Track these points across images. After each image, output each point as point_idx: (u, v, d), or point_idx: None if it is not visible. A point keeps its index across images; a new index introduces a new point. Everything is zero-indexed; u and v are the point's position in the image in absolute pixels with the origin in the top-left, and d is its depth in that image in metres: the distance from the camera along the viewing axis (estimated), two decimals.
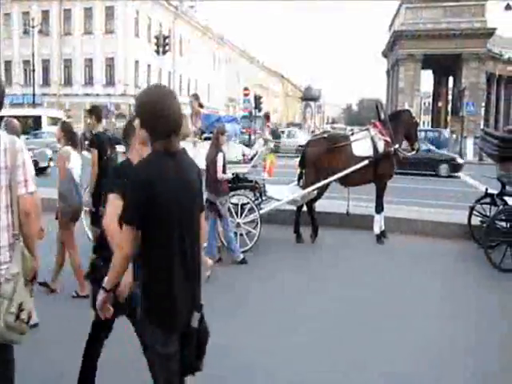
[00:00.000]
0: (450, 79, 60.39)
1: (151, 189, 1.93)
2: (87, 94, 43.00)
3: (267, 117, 9.36)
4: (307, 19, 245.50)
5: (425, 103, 69.31)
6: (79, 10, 43.22)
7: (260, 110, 35.69)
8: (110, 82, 43.19)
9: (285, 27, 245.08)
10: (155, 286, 2.01)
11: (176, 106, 2.04)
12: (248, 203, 7.01)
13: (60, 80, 44.24)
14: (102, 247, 2.77)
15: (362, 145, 7.59)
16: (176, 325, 2.03)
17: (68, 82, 44.35)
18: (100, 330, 2.96)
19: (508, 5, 30.41)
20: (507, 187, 7.16)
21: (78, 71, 43.95)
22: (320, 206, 8.03)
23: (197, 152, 6.95)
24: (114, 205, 2.52)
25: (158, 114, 1.97)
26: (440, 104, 60.29)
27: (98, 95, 42.54)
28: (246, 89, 35.07)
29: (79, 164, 5.06)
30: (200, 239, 2.20)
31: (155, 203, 1.93)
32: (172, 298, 2.00)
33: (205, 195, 6.57)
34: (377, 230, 7.52)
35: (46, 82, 44.19)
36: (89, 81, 43.92)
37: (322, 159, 7.44)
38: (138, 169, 2.08)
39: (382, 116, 8.08)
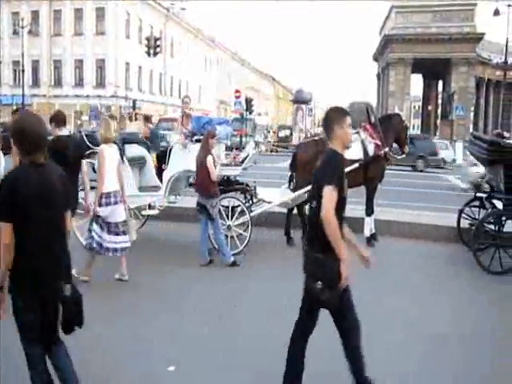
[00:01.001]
0: (440, 83, 60.91)
1: (14, 190, 2.53)
2: (77, 96, 42.77)
3: None
4: (298, 22, 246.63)
5: (415, 107, 69.68)
6: (69, 11, 42.99)
7: (251, 113, 35.75)
8: (101, 83, 42.99)
9: (276, 30, 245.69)
10: (21, 261, 2.58)
11: (40, 130, 2.67)
12: (239, 206, 7.00)
13: (50, 81, 43.96)
14: None
15: (353, 148, 7.57)
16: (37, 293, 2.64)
17: (58, 82, 44.08)
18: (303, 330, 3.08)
19: (497, 10, 30.70)
20: (496, 190, 7.22)
21: (68, 72, 43.70)
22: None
23: (187, 154, 6.95)
24: None
25: (24, 136, 2.63)
26: (430, 108, 60.77)
27: (88, 96, 42.33)
28: (237, 91, 35.06)
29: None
30: (63, 229, 2.79)
31: (18, 202, 2.53)
32: (33, 271, 2.61)
33: (196, 198, 6.57)
34: (367, 232, 7.54)
35: (36, 82, 43.88)
36: (79, 82, 43.67)
37: (312, 162, 7.40)
38: (7, 175, 2.71)
39: (373, 119, 8.11)
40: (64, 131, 5.67)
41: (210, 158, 6.24)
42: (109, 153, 5.53)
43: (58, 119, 5.62)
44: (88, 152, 7.17)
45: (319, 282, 2.80)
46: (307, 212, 4.03)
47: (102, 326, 4.31)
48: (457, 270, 6.43)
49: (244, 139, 26.08)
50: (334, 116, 3.13)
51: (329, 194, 2.80)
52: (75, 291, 2.77)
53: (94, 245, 5.44)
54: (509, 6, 30.39)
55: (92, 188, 5.99)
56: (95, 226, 5.48)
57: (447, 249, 7.39)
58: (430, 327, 4.56)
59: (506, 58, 33.59)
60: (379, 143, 7.60)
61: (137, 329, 4.31)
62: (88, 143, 7.13)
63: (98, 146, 7.12)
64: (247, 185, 7.46)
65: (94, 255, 5.53)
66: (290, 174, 7.89)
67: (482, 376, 3.71)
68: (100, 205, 5.44)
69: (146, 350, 3.91)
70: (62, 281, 2.71)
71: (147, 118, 8.73)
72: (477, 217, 7.41)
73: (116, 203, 5.52)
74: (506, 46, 32.64)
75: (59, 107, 42.53)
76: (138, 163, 7.62)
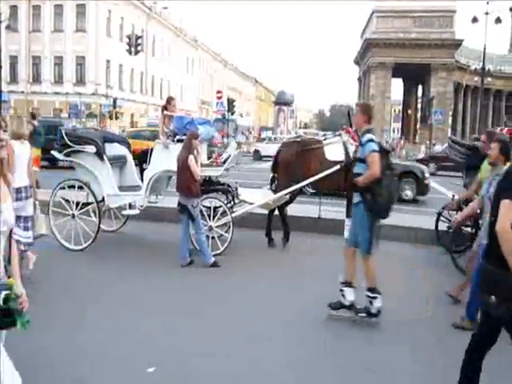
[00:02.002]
0: (420, 88, 61.84)
1: None
2: (57, 93, 42.17)
3: None
4: (281, 24, 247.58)
5: (395, 110, 70.66)
6: (49, 7, 42.34)
7: (233, 114, 35.77)
8: (81, 80, 42.46)
9: (259, 32, 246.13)
10: None
11: None
12: (220, 206, 6.98)
13: (28, 77, 43.21)
14: None
15: (335, 150, 7.65)
16: None
17: (37, 79, 43.37)
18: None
19: (475, 17, 31.31)
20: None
21: (47, 69, 43.02)
22: (292, 209, 8.06)
23: (168, 154, 6.91)
24: None
25: None
26: (410, 112, 61.66)
27: (67, 94, 41.76)
28: (219, 91, 35.03)
29: None
30: None
31: None
32: None
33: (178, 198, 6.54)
34: (347, 234, 7.59)
35: (14, 79, 43.07)
36: (58, 79, 43.05)
37: (294, 163, 7.47)
38: None
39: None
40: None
41: (191, 158, 6.23)
42: (19, 148, 5.43)
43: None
44: (68, 150, 7.09)
45: (493, 297, 2.70)
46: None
47: (80, 327, 4.26)
48: (433, 271, 6.53)
49: (226, 140, 26.14)
50: None
51: (506, 208, 2.68)
52: None
53: None
54: (486, 13, 31.01)
55: None
56: None
57: (426, 251, 7.50)
58: (405, 329, 4.62)
59: (483, 65, 34.26)
60: None
61: (116, 330, 4.26)
62: (68, 141, 7.05)
63: (78, 144, 7.06)
64: (229, 185, 7.45)
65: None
66: (271, 175, 7.91)
67: None
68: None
69: (125, 351, 3.87)
70: None
71: (33, 116, 8.70)
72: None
73: (27, 198, 5.44)
74: (484, 52, 33.30)
75: (38, 104, 42.03)
76: (118, 162, 7.56)
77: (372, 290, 4.63)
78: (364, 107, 5.00)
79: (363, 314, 4.65)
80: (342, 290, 4.73)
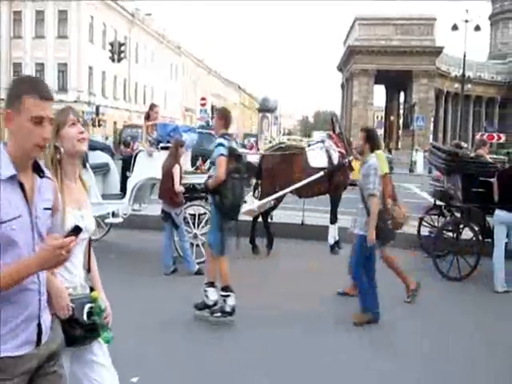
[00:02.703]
0: (402, 94, 62.63)
1: None
2: None
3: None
4: (264, 30, 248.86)
5: (378, 117, 71.37)
6: (30, 13, 41.91)
7: None
8: (63, 87, 42.04)
9: (242, 38, 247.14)
10: None
11: None
12: (205, 214, 6.97)
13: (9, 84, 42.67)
14: None
15: (318, 156, 7.71)
16: None
17: None
18: None
19: (455, 25, 31.89)
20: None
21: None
22: (275, 216, 8.09)
23: (152, 162, 6.89)
24: None
25: None
26: (392, 118, 62.34)
27: None
28: (202, 98, 34.99)
29: None
30: None
31: None
32: None
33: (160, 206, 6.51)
34: (331, 240, 7.64)
35: None
36: None
37: (277, 170, 7.50)
38: None
39: (337, 128, 8.26)
40: None
41: (176, 168, 6.21)
42: None
43: None
44: None
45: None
46: None
47: None
48: (416, 276, 6.59)
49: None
50: None
51: None
52: None
53: None
54: (466, 21, 31.61)
55: None
56: None
57: (408, 255, 7.57)
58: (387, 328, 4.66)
59: (463, 72, 34.91)
60: (344, 152, 7.74)
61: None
62: None
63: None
64: None
65: None
66: (255, 182, 7.93)
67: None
68: None
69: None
70: None
71: None
72: (436, 224, 7.64)
73: None
74: (464, 59, 33.94)
75: None
76: (101, 170, 7.50)
77: (225, 288, 4.71)
78: (221, 112, 5.12)
79: (218, 314, 4.71)
80: (205, 291, 4.80)
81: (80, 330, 1.99)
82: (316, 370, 3.86)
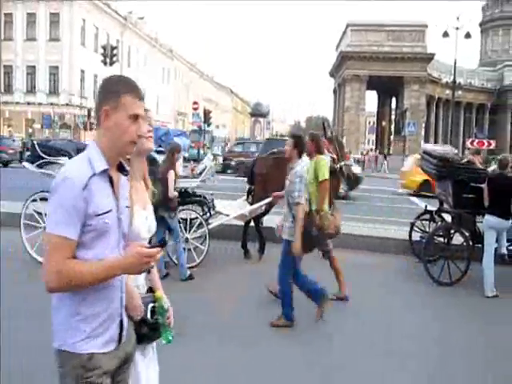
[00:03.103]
0: (393, 100, 63.06)
1: None
2: (29, 103, 41.47)
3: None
4: (257, 35, 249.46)
5: (370, 122, 71.81)
6: (21, 15, 41.75)
7: (209, 125, 35.75)
8: (54, 91, 41.88)
9: (235, 42, 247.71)
10: None
11: None
12: (196, 218, 6.95)
13: (0, 87, 42.41)
14: None
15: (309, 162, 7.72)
16: None
17: (8, 89, 42.56)
18: None
19: (445, 32, 32.19)
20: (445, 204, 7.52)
21: (20, 79, 42.32)
22: (268, 221, 8.08)
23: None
24: None
25: None
26: (384, 123, 62.71)
27: (40, 104, 41.12)
28: (195, 102, 34.99)
29: None
30: None
31: None
32: None
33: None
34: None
35: None
36: (31, 89, 42.36)
37: (270, 175, 7.50)
38: None
39: (329, 133, 8.28)
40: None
41: (172, 173, 6.19)
42: None
43: None
44: (40, 162, 6.96)
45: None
46: None
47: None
48: (407, 281, 6.62)
49: (202, 151, 26.03)
50: None
51: None
52: None
53: None
54: (457, 28, 31.92)
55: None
56: None
57: (400, 260, 7.60)
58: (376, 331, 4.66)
59: (454, 78, 35.17)
60: (335, 157, 7.75)
61: None
62: (40, 153, 6.92)
63: (50, 155, 6.94)
64: (205, 197, 7.43)
65: None
66: (248, 187, 7.92)
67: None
68: None
69: None
70: None
71: None
72: (427, 230, 7.68)
73: None
74: (455, 66, 34.25)
75: (9, 115, 41.28)
76: None
77: None
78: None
79: None
80: None
81: (146, 328, 1.99)
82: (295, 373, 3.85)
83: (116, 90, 1.72)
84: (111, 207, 1.67)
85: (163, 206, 6.25)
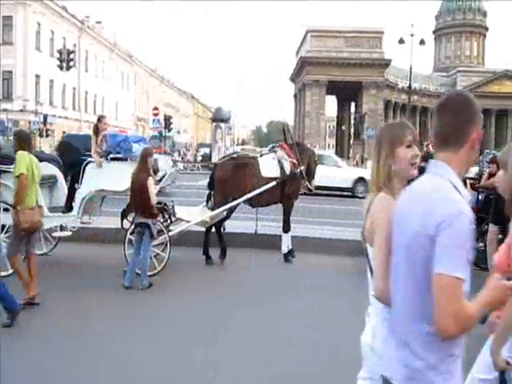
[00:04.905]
0: (353, 105, 64.37)
1: None
2: None
3: None
4: (217, 40, 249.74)
5: (329, 127, 72.94)
6: None
7: (170, 131, 35.43)
8: (8, 96, 40.46)
9: (195, 48, 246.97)
10: None
11: None
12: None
13: None
14: None
15: (270, 166, 7.76)
16: None
17: None
18: None
19: (401, 39, 33.19)
20: None
21: None
22: (229, 226, 8.06)
23: (101, 173, 6.74)
24: None
25: None
26: (343, 128, 63.91)
27: None
28: (155, 108, 34.61)
29: None
30: None
31: None
32: None
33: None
34: (285, 248, 7.68)
35: None
36: None
37: (230, 180, 7.49)
38: None
39: (289, 139, 8.36)
40: None
41: (151, 180, 6.09)
42: None
43: None
44: None
45: None
46: None
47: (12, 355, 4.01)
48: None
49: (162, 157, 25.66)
50: None
51: None
52: None
53: None
54: (412, 35, 32.95)
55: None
56: None
57: (361, 262, 7.71)
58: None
59: (410, 83, 36.28)
60: (295, 162, 7.83)
61: (50, 357, 4.05)
62: None
63: (3, 163, 6.69)
64: (165, 204, 7.34)
65: None
66: (208, 192, 7.88)
67: None
68: None
69: (59, 379, 3.68)
70: None
71: None
72: None
73: None
74: (410, 71, 35.32)
75: None
76: (48, 182, 7.24)
77: None
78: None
79: None
80: None
81: None
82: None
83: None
84: None
85: (145, 214, 6.15)
